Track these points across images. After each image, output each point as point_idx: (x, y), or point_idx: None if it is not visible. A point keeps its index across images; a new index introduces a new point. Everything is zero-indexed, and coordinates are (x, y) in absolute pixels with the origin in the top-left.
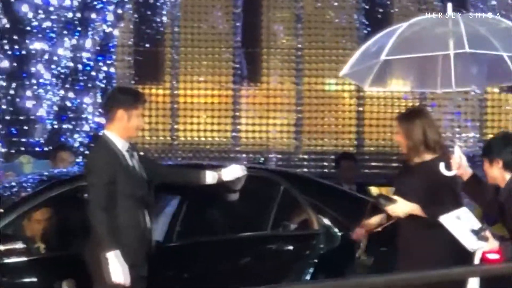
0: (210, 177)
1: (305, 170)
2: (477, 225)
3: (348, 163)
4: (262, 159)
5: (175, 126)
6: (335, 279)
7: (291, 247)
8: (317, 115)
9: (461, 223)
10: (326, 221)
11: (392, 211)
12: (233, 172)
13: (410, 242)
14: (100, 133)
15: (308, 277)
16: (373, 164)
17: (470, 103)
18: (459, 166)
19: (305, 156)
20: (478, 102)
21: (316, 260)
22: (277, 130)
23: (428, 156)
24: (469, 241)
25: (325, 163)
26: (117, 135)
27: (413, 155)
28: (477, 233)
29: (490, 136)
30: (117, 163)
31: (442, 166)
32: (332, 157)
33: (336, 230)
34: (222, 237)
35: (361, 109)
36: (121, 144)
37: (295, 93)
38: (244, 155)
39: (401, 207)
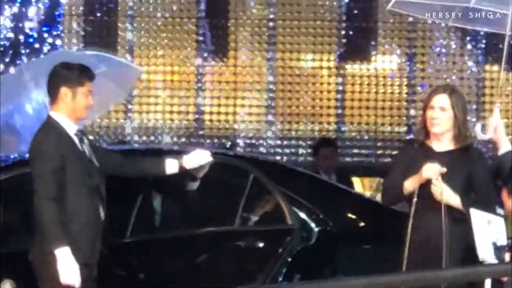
0: (170, 166)
1: (278, 157)
2: (502, 241)
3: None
4: (229, 144)
5: (130, 107)
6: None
7: (261, 244)
8: (292, 96)
9: (489, 229)
10: (302, 215)
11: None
12: (197, 158)
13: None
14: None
15: (281, 278)
16: (355, 151)
17: (465, 82)
18: (495, 129)
19: (278, 142)
20: (475, 81)
21: (289, 259)
22: (246, 112)
23: (455, 145)
24: (485, 251)
25: (301, 150)
26: (64, 116)
27: (459, 138)
28: (498, 249)
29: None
30: (66, 148)
31: (478, 128)
32: (309, 143)
33: (313, 225)
34: (182, 232)
35: (342, 88)
36: (68, 127)
37: (267, 70)
38: (208, 140)
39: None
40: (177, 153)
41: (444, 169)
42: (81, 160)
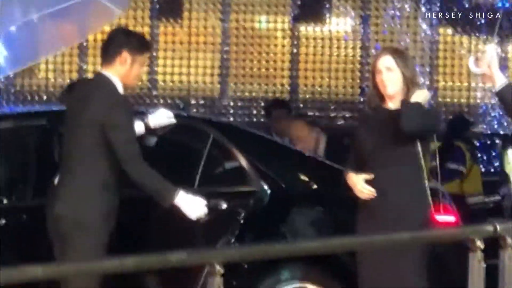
0: (137, 127)
1: (231, 118)
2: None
3: (280, 111)
4: (182, 105)
5: (84, 67)
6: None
7: (223, 206)
8: (246, 57)
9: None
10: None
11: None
12: (161, 118)
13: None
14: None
15: (233, 239)
16: (309, 113)
17: (419, 45)
18: (489, 65)
19: (231, 103)
20: (428, 44)
21: (246, 221)
22: (199, 73)
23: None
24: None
25: (254, 111)
26: (117, 80)
27: (408, 96)
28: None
29: (442, 83)
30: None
31: (470, 61)
32: (262, 104)
33: (265, 187)
34: (137, 194)
35: (295, 50)
36: (119, 90)
37: (221, 31)
38: (162, 101)
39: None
40: (139, 113)
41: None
42: None
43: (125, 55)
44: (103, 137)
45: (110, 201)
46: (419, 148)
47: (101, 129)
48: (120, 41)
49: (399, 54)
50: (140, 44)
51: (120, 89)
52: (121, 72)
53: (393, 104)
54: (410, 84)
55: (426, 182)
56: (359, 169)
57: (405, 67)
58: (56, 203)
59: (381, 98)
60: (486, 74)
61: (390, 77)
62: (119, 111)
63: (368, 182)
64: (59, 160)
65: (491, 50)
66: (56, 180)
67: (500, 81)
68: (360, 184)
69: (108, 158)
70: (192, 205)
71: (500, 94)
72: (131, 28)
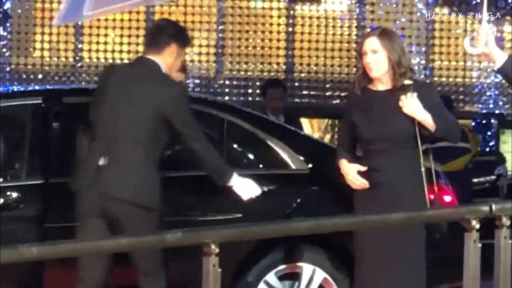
0: None
1: (226, 97)
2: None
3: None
4: None
5: (79, 46)
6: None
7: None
8: (241, 36)
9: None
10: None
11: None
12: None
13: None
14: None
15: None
16: (304, 92)
17: (415, 25)
18: (486, 42)
19: (227, 82)
20: (424, 24)
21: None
22: (195, 52)
23: (391, 85)
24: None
25: (249, 90)
26: (164, 68)
27: (394, 78)
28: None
29: (438, 63)
30: None
31: (466, 42)
32: (258, 83)
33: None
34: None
35: (291, 29)
36: None
37: (216, 10)
38: None
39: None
40: None
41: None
42: None
43: (174, 47)
44: (159, 120)
45: (161, 182)
46: (417, 130)
47: (160, 112)
48: (170, 32)
49: (386, 36)
50: (187, 39)
51: None
52: (168, 62)
53: (381, 86)
54: (396, 66)
55: (425, 163)
56: (353, 150)
57: (392, 49)
58: (110, 185)
59: (369, 79)
60: (484, 53)
61: (375, 60)
62: (183, 96)
63: (365, 162)
64: (98, 140)
65: (485, 28)
66: (101, 161)
67: (500, 57)
68: (352, 174)
69: (160, 140)
70: (245, 187)
71: (502, 70)
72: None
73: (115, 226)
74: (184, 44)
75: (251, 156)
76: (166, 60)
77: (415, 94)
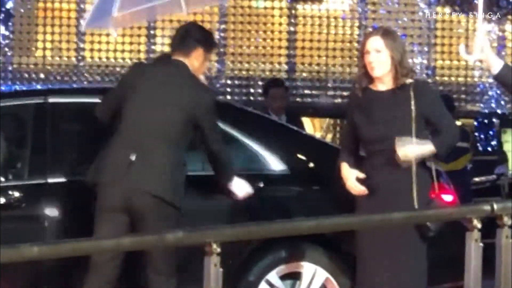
0: None
1: (228, 97)
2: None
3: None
4: None
5: (81, 45)
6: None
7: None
8: (243, 35)
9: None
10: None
11: (404, 155)
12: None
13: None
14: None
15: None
16: (306, 92)
17: (417, 24)
18: (482, 49)
19: (229, 82)
20: (426, 23)
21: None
22: None
23: (393, 84)
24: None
25: (251, 90)
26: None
27: (396, 78)
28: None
29: (440, 62)
30: None
31: (462, 49)
32: (260, 83)
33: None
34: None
35: (293, 29)
36: None
37: (219, 9)
38: None
39: (414, 150)
40: None
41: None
42: None
43: (200, 51)
44: (190, 121)
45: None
46: (414, 132)
47: (193, 114)
48: (197, 37)
49: (389, 36)
50: (213, 44)
51: None
52: (195, 66)
53: (382, 86)
54: (398, 66)
55: (426, 162)
56: (355, 150)
57: (394, 49)
58: (140, 180)
59: (370, 79)
60: (481, 59)
61: (378, 59)
62: (214, 103)
63: (367, 161)
64: (127, 135)
65: (481, 35)
66: (133, 157)
67: (496, 64)
68: (350, 180)
69: (187, 141)
70: (241, 186)
71: (499, 77)
72: None
73: (137, 222)
74: (210, 49)
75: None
76: (193, 63)
77: (404, 139)
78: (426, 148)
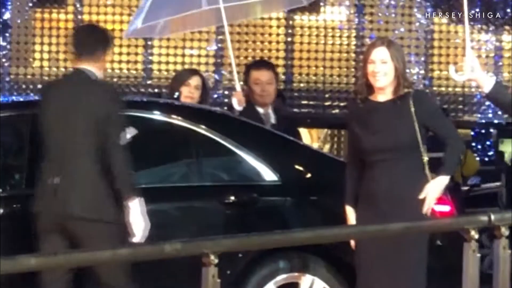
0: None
1: (225, 107)
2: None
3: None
4: (177, 94)
5: None
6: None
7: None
8: (240, 46)
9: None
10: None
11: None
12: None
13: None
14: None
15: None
16: (303, 102)
17: (414, 35)
18: (472, 68)
19: (226, 92)
20: (423, 34)
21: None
22: (194, 62)
23: (393, 95)
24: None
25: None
26: (98, 72)
27: (398, 89)
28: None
29: (437, 72)
30: None
31: (452, 70)
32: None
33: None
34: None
35: (290, 39)
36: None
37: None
38: (156, 89)
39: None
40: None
41: None
42: None
43: (103, 52)
44: (98, 128)
45: (114, 193)
46: (420, 141)
47: (98, 120)
48: (98, 39)
49: (394, 47)
50: (111, 40)
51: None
52: (100, 66)
53: (382, 97)
54: (401, 77)
55: (426, 173)
56: (360, 162)
57: (398, 60)
58: (66, 204)
59: (370, 89)
60: (472, 79)
61: (383, 70)
62: (116, 103)
63: (368, 174)
64: (49, 158)
65: (470, 54)
66: (56, 180)
67: (487, 83)
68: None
69: (101, 150)
70: (141, 216)
71: (490, 96)
72: (126, 18)
73: (74, 243)
74: (110, 45)
75: (220, 167)
76: (97, 66)
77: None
78: (443, 183)
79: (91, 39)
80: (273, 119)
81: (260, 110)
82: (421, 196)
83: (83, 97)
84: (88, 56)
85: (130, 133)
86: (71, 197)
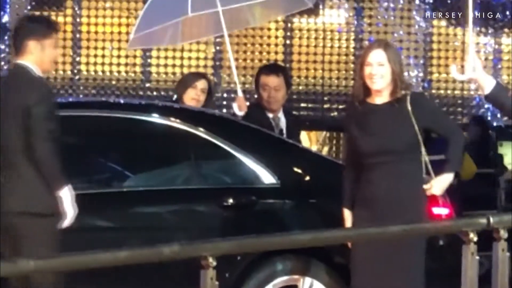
0: None
1: (224, 110)
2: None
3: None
4: (175, 97)
5: (77, 59)
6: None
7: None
8: (239, 48)
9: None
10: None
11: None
12: None
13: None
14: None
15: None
16: (302, 105)
17: (413, 38)
18: (474, 68)
19: (225, 95)
20: (422, 37)
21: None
22: (192, 64)
23: (390, 97)
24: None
25: (247, 103)
26: (34, 66)
27: (395, 91)
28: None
29: (436, 75)
30: None
31: (453, 69)
32: (256, 96)
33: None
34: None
35: (289, 42)
36: (40, 75)
37: None
38: (155, 92)
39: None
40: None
41: None
42: None
43: (33, 44)
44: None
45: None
46: (420, 143)
47: (24, 117)
48: (25, 31)
49: (391, 49)
50: (44, 29)
51: (39, 73)
52: (35, 59)
53: (379, 99)
54: (398, 80)
55: (423, 175)
56: (358, 165)
57: (395, 62)
58: (8, 201)
59: (367, 91)
60: (473, 79)
61: (380, 72)
62: (40, 98)
63: (366, 176)
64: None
65: (472, 54)
66: (2, 178)
67: (488, 84)
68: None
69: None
70: (71, 205)
71: (490, 97)
72: (124, 20)
73: (14, 240)
74: (43, 35)
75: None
76: (31, 59)
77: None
78: (448, 180)
79: (22, 30)
80: (283, 124)
81: (270, 114)
82: (427, 192)
83: (14, 94)
84: (21, 49)
85: None
86: (11, 193)
